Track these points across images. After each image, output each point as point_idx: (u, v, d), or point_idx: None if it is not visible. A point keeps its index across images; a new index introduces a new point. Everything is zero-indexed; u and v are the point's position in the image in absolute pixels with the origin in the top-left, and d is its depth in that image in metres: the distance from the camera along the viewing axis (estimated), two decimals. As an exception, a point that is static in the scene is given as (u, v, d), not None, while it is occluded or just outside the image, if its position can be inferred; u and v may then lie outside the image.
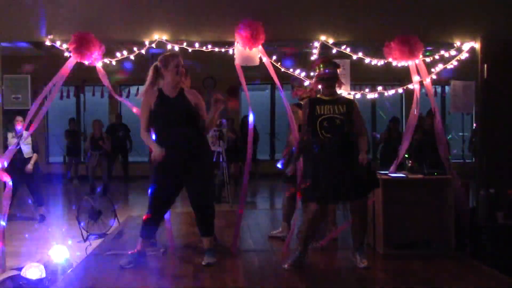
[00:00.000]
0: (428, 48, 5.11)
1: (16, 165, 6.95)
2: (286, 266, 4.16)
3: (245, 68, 4.87)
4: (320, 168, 4.06)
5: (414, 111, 5.05)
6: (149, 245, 4.44)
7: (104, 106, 12.75)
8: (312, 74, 4.49)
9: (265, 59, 4.84)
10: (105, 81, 4.95)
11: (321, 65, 4.18)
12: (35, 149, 7.39)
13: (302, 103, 4.72)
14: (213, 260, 4.21)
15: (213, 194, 4.20)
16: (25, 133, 7.13)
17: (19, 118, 6.70)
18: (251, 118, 4.82)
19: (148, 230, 4.23)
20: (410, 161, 5.08)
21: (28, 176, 7.22)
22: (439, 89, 12.55)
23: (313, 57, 4.98)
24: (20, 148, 7.07)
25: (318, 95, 4.32)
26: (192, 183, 4.13)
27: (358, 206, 4.18)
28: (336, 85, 4.23)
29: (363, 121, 4.32)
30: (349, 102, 4.22)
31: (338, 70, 4.24)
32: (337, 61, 5.02)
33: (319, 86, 4.29)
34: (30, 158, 7.26)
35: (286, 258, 4.26)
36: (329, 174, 4.03)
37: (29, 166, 7.31)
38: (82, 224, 6.11)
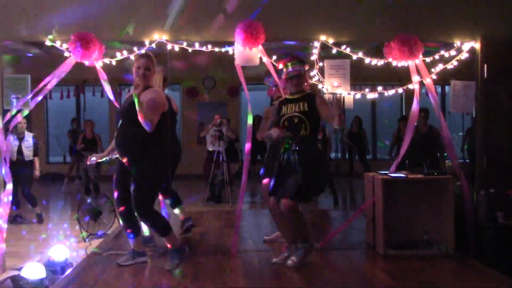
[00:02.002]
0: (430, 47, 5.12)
1: (16, 167, 6.91)
2: (274, 259, 4.30)
3: (245, 68, 4.88)
4: (277, 163, 4.19)
5: (415, 109, 5.06)
6: (144, 244, 4.43)
7: (104, 106, 12.75)
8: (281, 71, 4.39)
9: (265, 59, 4.84)
10: (107, 85, 4.97)
11: (289, 64, 4.15)
12: (36, 152, 7.32)
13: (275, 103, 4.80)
14: (173, 263, 4.05)
15: (147, 198, 4.04)
16: (27, 135, 7.12)
17: (23, 120, 6.66)
18: (249, 118, 4.83)
19: (127, 225, 4.18)
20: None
21: (24, 179, 7.15)
22: (439, 89, 12.55)
23: (313, 57, 4.98)
24: (21, 151, 7.03)
25: (287, 96, 4.31)
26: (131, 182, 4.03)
27: (286, 207, 4.03)
28: (304, 83, 4.20)
29: (330, 108, 4.13)
30: (310, 98, 4.14)
31: (305, 67, 4.21)
32: (337, 61, 5.04)
33: (287, 85, 4.27)
34: (30, 161, 7.19)
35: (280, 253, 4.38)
36: (279, 170, 4.13)
37: (37, 173, 7.26)
38: (81, 224, 6.10)
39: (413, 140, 5.10)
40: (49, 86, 4.84)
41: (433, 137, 6.85)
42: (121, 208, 4.14)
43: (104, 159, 4.49)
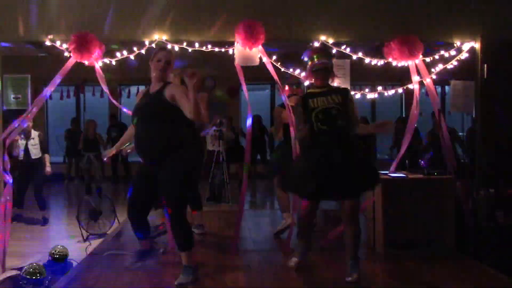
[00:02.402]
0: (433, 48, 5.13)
1: (24, 167, 6.91)
2: (291, 264, 4.09)
3: (245, 68, 4.88)
4: (313, 162, 3.75)
5: (415, 110, 5.06)
6: (151, 245, 4.35)
7: (104, 106, 12.75)
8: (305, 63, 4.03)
9: (265, 59, 4.84)
10: (104, 84, 4.96)
11: (315, 56, 3.88)
12: (44, 149, 7.31)
13: (287, 103, 4.82)
14: (186, 280, 3.68)
15: (184, 203, 3.75)
16: (33, 133, 7.11)
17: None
18: (249, 119, 4.82)
19: (136, 230, 3.87)
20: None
21: (36, 180, 7.15)
22: (439, 89, 12.55)
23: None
24: (28, 149, 7.03)
25: (309, 90, 4.03)
26: (161, 188, 3.63)
27: (349, 208, 3.78)
28: (330, 78, 3.91)
29: (357, 115, 3.93)
30: (344, 92, 3.89)
31: (333, 60, 3.98)
32: (337, 61, 5.04)
33: (312, 79, 3.96)
34: (38, 159, 7.18)
35: (291, 255, 4.21)
36: (322, 168, 3.69)
37: (48, 169, 7.22)
38: (82, 224, 6.11)
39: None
40: (51, 88, 4.84)
41: (453, 137, 6.76)
42: (136, 212, 3.79)
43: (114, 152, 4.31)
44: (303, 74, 4.96)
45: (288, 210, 5.16)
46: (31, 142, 7.07)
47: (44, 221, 7.19)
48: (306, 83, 5.11)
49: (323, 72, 3.87)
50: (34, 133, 7.17)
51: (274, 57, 4.91)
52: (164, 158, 3.60)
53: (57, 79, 4.74)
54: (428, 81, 4.99)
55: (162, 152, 3.60)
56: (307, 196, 3.87)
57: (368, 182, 3.85)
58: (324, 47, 4.06)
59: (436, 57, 5.13)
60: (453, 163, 4.90)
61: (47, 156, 7.27)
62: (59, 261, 4.71)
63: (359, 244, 3.87)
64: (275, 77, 4.84)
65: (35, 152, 7.11)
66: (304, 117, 3.84)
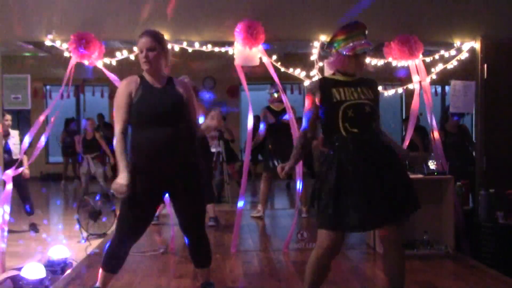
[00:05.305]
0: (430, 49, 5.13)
1: (4, 168, 6.58)
2: None
3: (245, 68, 4.88)
4: (342, 182, 2.74)
5: (415, 106, 5.07)
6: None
7: (104, 106, 12.75)
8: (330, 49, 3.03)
9: (265, 59, 4.84)
10: (113, 77, 4.96)
11: (358, 33, 2.98)
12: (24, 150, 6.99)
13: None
14: None
15: (204, 217, 3.33)
16: (12, 132, 6.86)
17: (8, 117, 6.50)
18: (250, 119, 4.82)
19: (112, 262, 3.32)
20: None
21: (19, 181, 6.40)
22: (439, 89, 12.56)
23: (313, 57, 4.98)
24: (8, 148, 6.52)
25: (329, 76, 2.99)
26: (182, 202, 3.14)
27: (393, 234, 2.90)
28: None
29: None
30: (374, 84, 2.98)
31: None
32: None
33: (345, 64, 2.94)
34: (17, 160, 6.77)
35: None
36: (357, 190, 2.73)
37: (26, 171, 6.49)
38: (81, 224, 6.10)
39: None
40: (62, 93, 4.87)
41: (463, 135, 6.65)
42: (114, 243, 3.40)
43: None
44: (303, 74, 4.96)
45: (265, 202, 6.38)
46: (11, 140, 6.66)
47: (33, 228, 6.69)
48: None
49: (365, 56, 2.96)
50: (14, 132, 6.85)
51: (274, 57, 4.91)
52: (186, 166, 3.08)
53: (64, 84, 4.76)
54: (427, 81, 4.99)
55: (185, 159, 3.07)
56: (333, 226, 2.76)
57: (409, 202, 3.00)
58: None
59: (436, 57, 5.14)
60: (443, 164, 4.89)
61: (25, 158, 6.34)
62: (59, 261, 4.71)
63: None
64: (275, 77, 4.84)
65: (16, 152, 6.64)
66: (325, 111, 2.83)
